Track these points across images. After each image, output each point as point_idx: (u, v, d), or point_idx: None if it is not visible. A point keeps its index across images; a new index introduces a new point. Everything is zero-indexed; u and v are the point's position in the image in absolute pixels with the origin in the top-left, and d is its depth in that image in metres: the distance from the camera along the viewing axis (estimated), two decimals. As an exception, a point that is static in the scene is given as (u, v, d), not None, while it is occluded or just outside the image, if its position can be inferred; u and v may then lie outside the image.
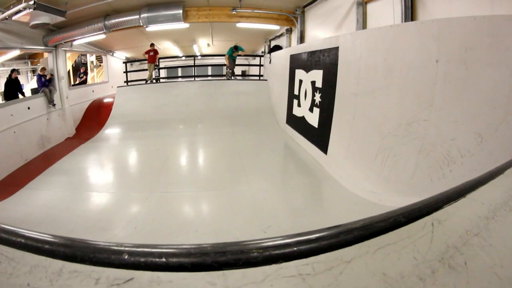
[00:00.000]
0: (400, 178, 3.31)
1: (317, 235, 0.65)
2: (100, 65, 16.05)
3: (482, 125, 2.40)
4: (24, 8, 6.27)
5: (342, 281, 0.59)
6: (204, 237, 3.55)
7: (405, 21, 4.31)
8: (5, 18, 6.57)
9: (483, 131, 2.37)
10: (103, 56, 13.73)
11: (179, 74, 14.25)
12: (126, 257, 0.58)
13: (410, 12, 4.27)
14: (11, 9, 6.39)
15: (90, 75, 14.43)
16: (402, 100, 3.43)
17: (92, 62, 16.12)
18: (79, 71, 12.97)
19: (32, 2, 6.15)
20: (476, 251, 0.71)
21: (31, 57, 14.70)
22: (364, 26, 5.61)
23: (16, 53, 11.43)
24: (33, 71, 15.38)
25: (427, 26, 3.15)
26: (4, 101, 7.93)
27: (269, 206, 4.31)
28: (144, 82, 10.81)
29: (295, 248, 0.61)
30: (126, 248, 0.60)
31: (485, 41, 2.40)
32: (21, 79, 10.78)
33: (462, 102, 2.60)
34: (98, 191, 5.33)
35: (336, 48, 4.97)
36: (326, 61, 5.38)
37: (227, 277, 0.56)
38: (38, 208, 4.72)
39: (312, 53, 6.11)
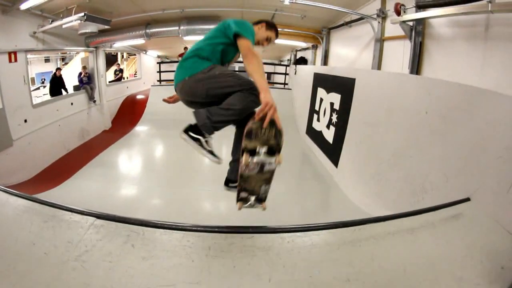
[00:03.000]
0: (388, 198, 3.98)
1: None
2: (128, 58, 16.67)
3: (449, 168, 3.18)
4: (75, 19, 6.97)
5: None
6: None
7: (412, 65, 4.93)
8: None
9: (448, 172, 3.16)
10: (136, 54, 14.35)
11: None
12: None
13: (417, 59, 4.86)
14: (61, 16, 7.14)
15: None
16: (396, 136, 4.12)
17: (122, 55, 16.72)
18: (116, 69, 13.75)
19: (82, 14, 6.80)
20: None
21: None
22: (379, 60, 6.23)
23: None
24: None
25: (423, 81, 3.82)
26: (51, 97, 8.79)
27: (285, 207, 4.77)
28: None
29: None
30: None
31: (462, 105, 3.09)
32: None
33: (436, 148, 3.35)
34: (130, 183, 6.31)
35: (353, 79, 5.57)
36: (344, 88, 5.96)
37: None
38: (83, 196, 5.46)
39: (333, 77, 6.75)
